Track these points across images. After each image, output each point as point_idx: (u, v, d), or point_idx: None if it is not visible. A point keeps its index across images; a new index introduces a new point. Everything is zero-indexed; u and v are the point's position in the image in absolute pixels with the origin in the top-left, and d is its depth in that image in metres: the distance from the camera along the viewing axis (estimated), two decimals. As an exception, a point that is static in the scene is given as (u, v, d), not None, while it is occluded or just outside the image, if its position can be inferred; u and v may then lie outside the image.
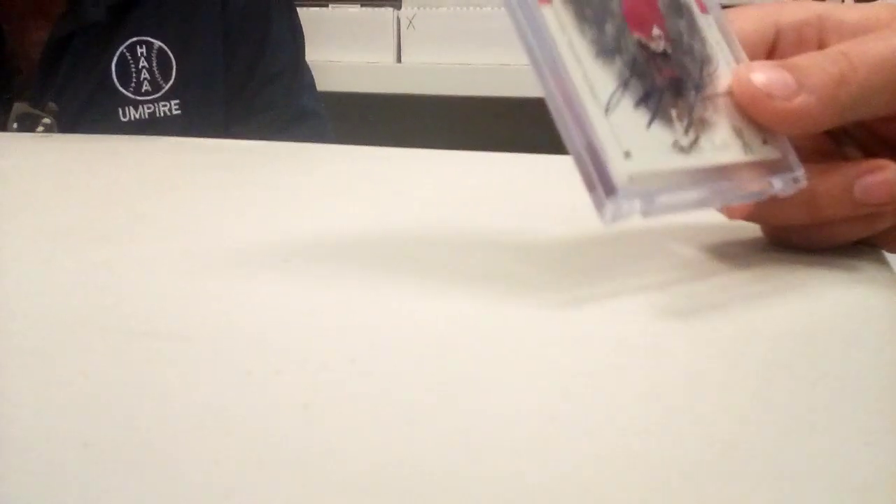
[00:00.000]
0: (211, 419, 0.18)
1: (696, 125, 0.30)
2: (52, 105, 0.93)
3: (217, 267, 0.31)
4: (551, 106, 0.27)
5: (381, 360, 0.22)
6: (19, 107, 0.93)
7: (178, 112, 0.98)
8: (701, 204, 0.29)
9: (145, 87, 0.99)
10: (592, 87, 0.27)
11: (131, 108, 0.99)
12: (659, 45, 0.30)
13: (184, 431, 0.18)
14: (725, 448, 0.18)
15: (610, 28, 0.29)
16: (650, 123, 0.29)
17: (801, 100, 0.31)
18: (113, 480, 0.16)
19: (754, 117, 0.31)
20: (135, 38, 0.98)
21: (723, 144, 0.30)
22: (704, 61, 0.32)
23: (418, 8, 1.48)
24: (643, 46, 0.30)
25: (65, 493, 0.15)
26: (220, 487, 0.15)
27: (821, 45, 0.35)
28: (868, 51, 0.32)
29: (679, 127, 0.29)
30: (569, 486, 0.16)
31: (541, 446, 0.17)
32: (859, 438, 0.18)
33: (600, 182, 0.26)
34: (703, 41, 0.32)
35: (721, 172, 0.30)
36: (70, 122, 0.93)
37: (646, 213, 0.27)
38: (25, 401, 0.19)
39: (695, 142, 0.30)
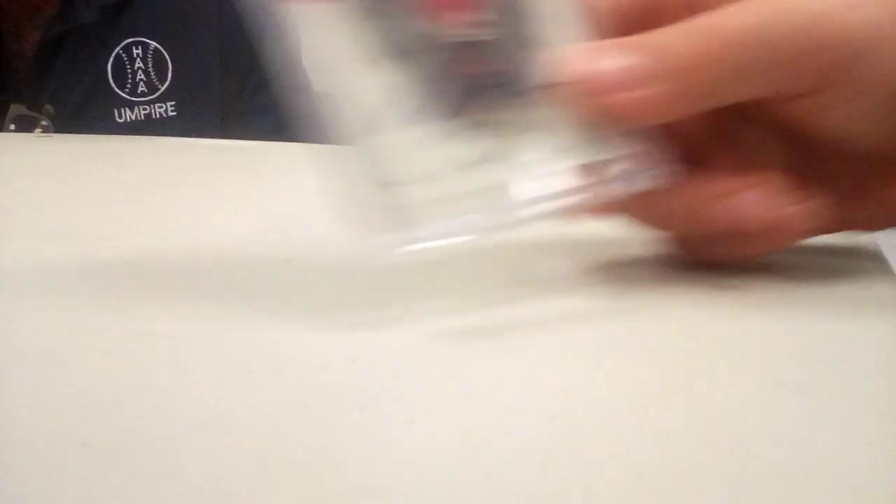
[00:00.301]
0: (211, 419, 0.18)
1: (513, 127, 0.26)
2: (48, 107, 0.93)
3: (218, 267, 0.31)
4: (307, 127, 0.24)
5: (382, 361, 0.22)
6: (16, 108, 0.93)
7: (174, 114, 0.98)
8: (508, 224, 0.26)
9: (141, 88, 0.99)
10: (360, 98, 0.24)
11: (127, 110, 0.99)
12: (473, 34, 0.26)
13: (184, 432, 0.18)
14: (725, 448, 0.18)
15: (404, 21, 0.25)
16: (430, 135, 0.25)
17: (651, 90, 0.26)
18: (113, 480, 0.16)
19: (596, 109, 0.27)
20: (131, 39, 0.98)
21: (554, 146, 0.27)
22: (536, 45, 0.27)
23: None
24: (449, 37, 0.26)
25: (65, 493, 0.15)
26: (220, 487, 0.15)
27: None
28: (740, 20, 0.26)
29: (474, 136, 0.26)
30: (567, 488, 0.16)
31: (539, 448, 0.18)
32: (859, 438, 0.18)
33: (358, 217, 0.23)
34: (535, 20, 0.27)
35: (544, 182, 0.26)
36: (66, 124, 0.93)
37: (417, 247, 0.24)
38: (25, 401, 0.19)
39: (506, 150, 0.26)
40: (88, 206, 0.44)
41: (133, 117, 0.99)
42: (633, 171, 0.27)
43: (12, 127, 0.92)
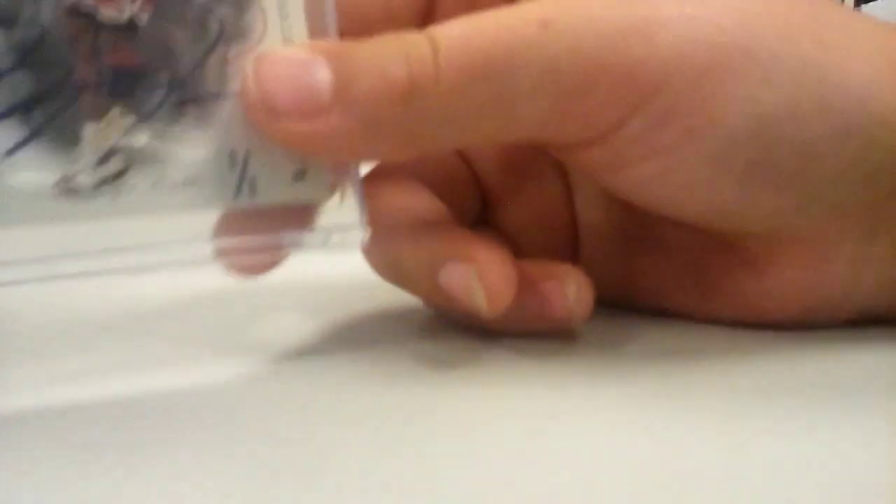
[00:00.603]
0: (211, 419, 0.19)
1: (138, 149, 0.20)
2: None
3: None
4: None
5: (382, 361, 0.22)
6: None
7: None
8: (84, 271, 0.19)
9: None
10: None
11: None
12: (121, 12, 0.20)
13: (184, 432, 0.18)
14: (725, 448, 0.17)
15: None
16: (18, 148, 0.19)
17: (327, 122, 0.20)
18: (113, 480, 0.16)
19: (271, 135, 0.20)
20: None
21: (188, 180, 0.20)
22: (225, 40, 0.21)
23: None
24: (82, 14, 0.19)
25: (65, 493, 0.15)
26: (220, 487, 0.15)
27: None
28: (467, 35, 0.20)
29: (89, 152, 0.19)
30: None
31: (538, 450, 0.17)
32: (859, 438, 0.18)
33: None
34: (245, 4, 0.21)
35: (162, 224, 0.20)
36: None
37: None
38: (25, 401, 0.19)
39: (119, 176, 0.19)
40: None
41: None
42: (302, 227, 0.22)
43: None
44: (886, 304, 0.23)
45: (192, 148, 0.20)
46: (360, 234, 0.21)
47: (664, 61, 0.20)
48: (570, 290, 0.23)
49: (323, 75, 0.19)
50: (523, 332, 0.23)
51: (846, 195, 0.22)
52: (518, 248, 0.24)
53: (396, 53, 0.20)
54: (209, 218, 0.21)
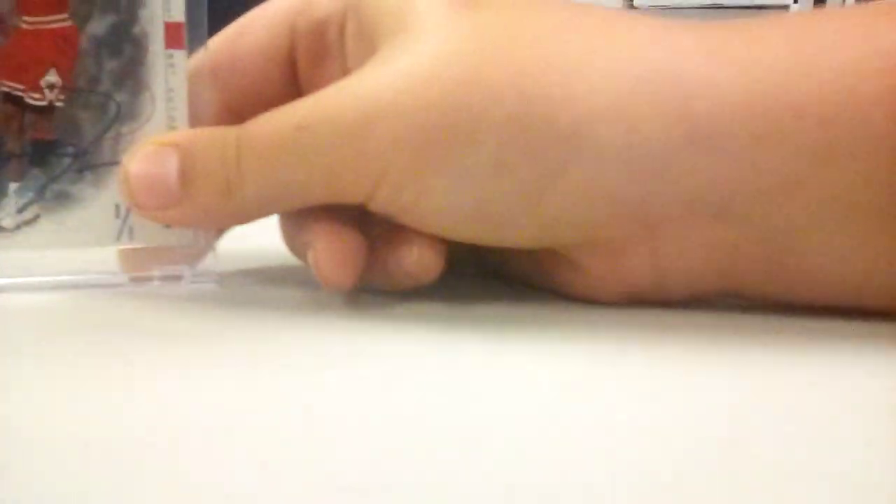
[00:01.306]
0: (211, 419, 0.18)
1: (47, 201, 0.27)
2: None
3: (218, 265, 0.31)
4: None
5: (381, 361, 0.23)
6: None
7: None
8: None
9: None
10: None
11: None
12: (43, 98, 0.27)
13: (184, 432, 0.18)
14: (724, 448, 0.18)
15: None
16: None
17: (177, 212, 0.26)
18: (113, 480, 0.15)
19: (137, 210, 0.27)
20: None
21: (82, 225, 0.27)
22: (121, 119, 0.27)
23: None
24: (13, 100, 0.27)
25: (65, 493, 0.15)
26: (220, 488, 0.15)
27: (343, 55, 0.29)
28: (259, 134, 0.26)
29: (12, 203, 0.27)
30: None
31: (538, 450, 0.17)
32: (859, 438, 0.18)
33: None
34: (138, 91, 0.27)
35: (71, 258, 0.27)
36: None
37: None
38: (25, 401, 0.19)
39: (32, 221, 0.27)
40: None
41: None
42: (173, 273, 0.28)
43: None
44: (687, 288, 0.27)
45: (87, 201, 0.27)
46: (213, 275, 0.28)
47: (382, 152, 0.25)
48: (415, 254, 0.27)
49: (171, 169, 0.26)
50: (391, 288, 0.28)
51: (599, 210, 0.25)
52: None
53: (216, 156, 0.26)
54: (98, 252, 0.28)
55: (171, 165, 0.26)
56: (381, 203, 0.26)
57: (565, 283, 0.28)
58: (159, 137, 0.27)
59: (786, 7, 2.31)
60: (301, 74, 0.30)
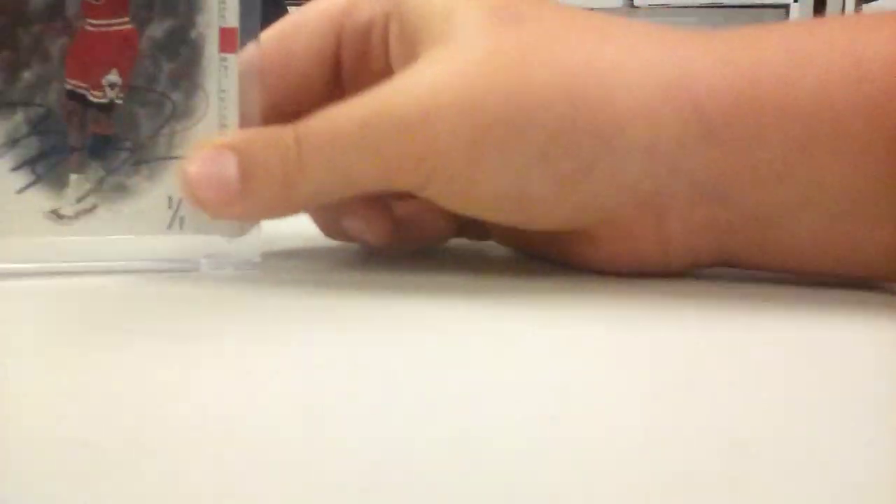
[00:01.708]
0: (211, 420, 0.18)
1: (105, 192, 0.29)
2: None
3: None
4: None
5: (381, 360, 0.23)
6: None
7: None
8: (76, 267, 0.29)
9: None
10: None
11: None
12: (104, 96, 0.28)
13: (184, 432, 0.18)
14: (724, 448, 0.18)
15: (29, 76, 0.28)
16: (26, 188, 0.28)
17: (237, 208, 0.28)
18: (113, 480, 0.15)
19: (197, 206, 0.29)
20: None
21: (137, 215, 0.29)
22: (176, 117, 0.29)
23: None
24: (77, 97, 0.28)
25: (65, 493, 0.15)
26: (220, 488, 0.15)
27: (385, 55, 0.32)
28: (321, 131, 0.28)
29: (72, 193, 0.29)
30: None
31: (538, 449, 0.18)
32: (859, 438, 0.18)
33: None
34: (192, 91, 0.29)
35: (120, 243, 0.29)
36: None
37: None
38: (25, 401, 0.19)
39: (90, 210, 0.29)
40: None
41: None
42: (219, 259, 0.30)
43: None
44: (689, 261, 0.30)
45: (142, 193, 0.29)
46: (256, 259, 0.30)
47: (440, 146, 0.27)
48: (431, 223, 0.33)
49: (230, 169, 0.28)
50: (405, 248, 0.33)
51: (621, 198, 0.28)
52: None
53: (276, 154, 0.28)
54: (151, 241, 0.30)
55: (231, 164, 0.28)
56: (432, 191, 0.29)
57: (583, 257, 0.31)
58: (215, 140, 0.29)
59: (785, 6, 2.33)
60: (345, 74, 0.32)
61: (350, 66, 0.32)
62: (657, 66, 0.28)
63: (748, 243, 0.29)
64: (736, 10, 2.32)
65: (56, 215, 0.29)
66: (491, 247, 0.37)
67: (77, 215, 0.29)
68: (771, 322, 0.27)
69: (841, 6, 2.33)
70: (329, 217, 0.33)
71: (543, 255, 0.33)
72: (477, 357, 0.23)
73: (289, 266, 0.33)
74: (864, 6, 2.27)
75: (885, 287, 0.31)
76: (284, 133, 0.28)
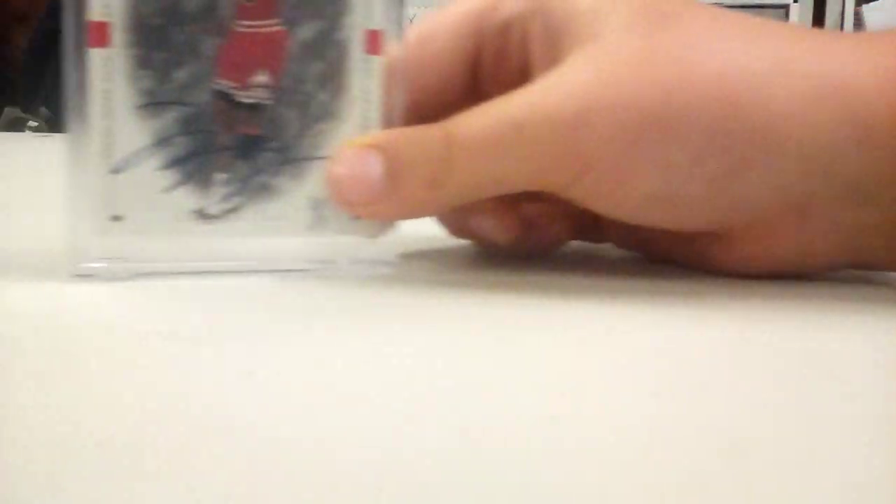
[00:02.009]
0: (211, 419, 0.18)
1: (250, 192, 0.29)
2: (43, 110, 0.98)
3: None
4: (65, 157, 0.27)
5: (381, 360, 0.23)
6: (10, 112, 0.96)
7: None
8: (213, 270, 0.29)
9: None
10: (112, 142, 0.28)
11: None
12: (253, 96, 0.29)
13: (184, 432, 0.18)
14: (724, 448, 0.18)
15: (181, 75, 0.28)
16: (174, 187, 0.28)
17: (382, 208, 0.29)
18: (113, 480, 0.15)
19: (342, 206, 0.29)
20: None
21: (280, 215, 0.29)
22: (321, 117, 0.29)
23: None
24: (226, 97, 0.29)
25: (65, 493, 0.15)
26: (220, 487, 0.15)
27: (525, 54, 0.32)
28: (472, 132, 0.28)
29: (218, 192, 0.29)
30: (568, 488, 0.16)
31: (539, 448, 0.18)
32: (859, 438, 0.18)
33: (71, 241, 0.28)
34: (338, 92, 0.29)
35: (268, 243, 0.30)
36: (61, 126, 0.99)
37: (121, 277, 0.28)
38: (25, 401, 0.19)
39: (235, 210, 0.29)
40: (32, 208, 0.46)
41: None
42: (357, 259, 0.30)
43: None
44: (824, 264, 0.31)
45: (286, 194, 0.29)
46: (391, 259, 0.31)
47: (593, 148, 0.28)
48: (555, 225, 0.33)
49: (376, 168, 0.28)
50: (526, 254, 0.34)
51: (770, 199, 0.29)
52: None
53: (423, 154, 0.28)
54: (293, 241, 0.30)
55: (376, 164, 0.28)
56: (578, 190, 0.29)
57: (713, 259, 0.31)
58: (359, 139, 0.29)
59: (785, 7, 2.35)
60: (483, 73, 0.32)
61: (488, 64, 0.32)
62: (811, 68, 0.28)
63: (880, 244, 0.30)
64: (735, 10, 2.34)
65: (201, 214, 0.29)
66: (607, 249, 0.37)
67: (222, 215, 0.29)
68: (771, 322, 0.27)
69: (841, 6, 2.36)
70: (457, 216, 0.33)
71: (665, 257, 0.34)
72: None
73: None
74: (864, 6, 2.29)
75: (887, 283, 0.32)
76: (431, 132, 0.29)
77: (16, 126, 0.96)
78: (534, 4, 0.31)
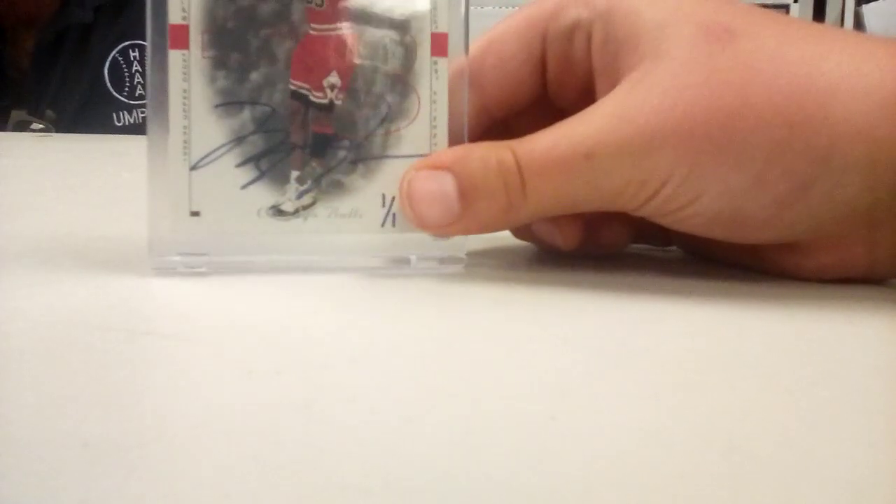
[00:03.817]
0: (211, 419, 0.18)
1: (323, 189, 0.30)
2: (49, 112, 0.96)
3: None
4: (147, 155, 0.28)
5: (381, 360, 0.23)
6: (17, 114, 0.96)
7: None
8: (283, 266, 0.30)
9: (139, 91, 1.02)
10: (190, 140, 0.29)
11: (125, 113, 1.02)
12: (325, 97, 0.30)
13: (184, 431, 0.18)
14: (725, 448, 0.18)
15: (257, 76, 0.29)
16: (250, 184, 0.29)
17: (457, 227, 0.30)
18: (113, 480, 0.15)
19: (410, 219, 0.30)
20: (127, 42, 1.00)
21: (353, 212, 0.30)
22: (391, 117, 0.30)
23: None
24: (300, 97, 0.30)
25: (65, 493, 0.15)
26: (220, 487, 0.15)
27: (588, 60, 0.32)
28: (545, 160, 0.29)
29: (292, 189, 0.30)
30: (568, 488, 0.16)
31: (539, 447, 0.18)
32: (859, 438, 0.18)
33: (151, 236, 0.29)
34: (406, 93, 0.31)
35: (334, 240, 0.30)
36: (66, 128, 0.96)
37: (197, 270, 0.29)
38: (25, 401, 0.19)
39: (309, 206, 0.30)
40: (88, 205, 0.47)
41: (131, 121, 1.02)
42: (428, 259, 0.31)
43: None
44: (890, 272, 0.32)
45: (358, 191, 0.30)
46: (462, 261, 0.32)
47: (662, 172, 0.29)
48: (616, 230, 0.34)
49: (450, 187, 0.29)
50: (588, 254, 0.35)
51: (836, 214, 0.29)
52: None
53: (497, 179, 0.29)
54: (364, 238, 0.31)
55: (450, 187, 0.29)
56: (648, 210, 0.30)
57: (786, 266, 0.32)
58: (429, 160, 0.30)
59: (785, 7, 2.36)
60: (549, 76, 0.33)
61: (553, 68, 0.33)
62: (875, 82, 0.28)
63: None
64: (736, 9, 2.34)
65: (276, 211, 0.30)
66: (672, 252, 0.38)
67: (296, 212, 0.30)
68: (771, 322, 0.27)
69: (841, 6, 2.37)
70: None
71: (734, 262, 0.34)
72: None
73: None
74: (864, 6, 2.30)
75: (887, 283, 0.32)
76: (502, 154, 0.29)
77: (22, 128, 0.96)
78: (598, 12, 0.31)
